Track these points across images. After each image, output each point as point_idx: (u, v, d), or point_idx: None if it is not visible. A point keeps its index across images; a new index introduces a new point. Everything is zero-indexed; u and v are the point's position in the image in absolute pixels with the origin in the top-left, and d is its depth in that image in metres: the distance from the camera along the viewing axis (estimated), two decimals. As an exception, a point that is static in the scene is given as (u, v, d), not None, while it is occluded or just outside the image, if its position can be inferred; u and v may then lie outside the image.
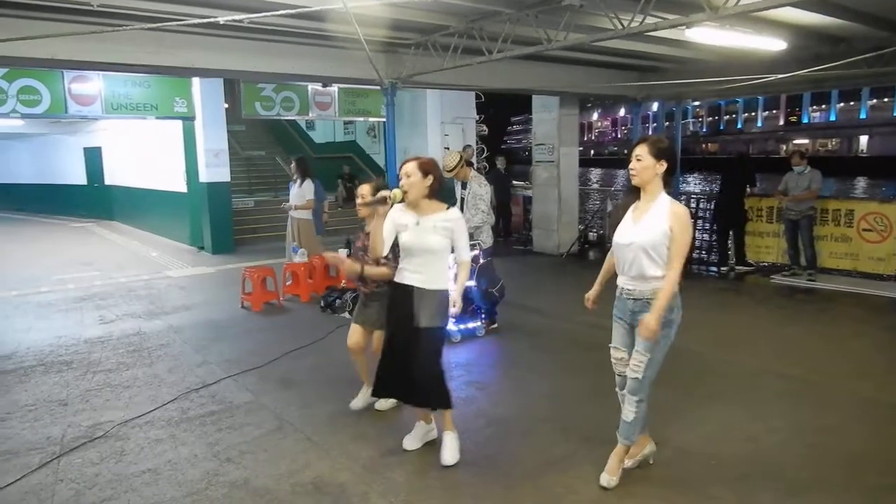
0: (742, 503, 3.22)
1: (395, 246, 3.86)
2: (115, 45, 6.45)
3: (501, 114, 72.04)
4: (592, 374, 5.06)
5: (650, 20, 5.50)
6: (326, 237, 9.26)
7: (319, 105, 12.63)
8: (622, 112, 76.62)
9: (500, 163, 13.18)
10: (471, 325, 6.15)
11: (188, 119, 11.25)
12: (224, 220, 11.73)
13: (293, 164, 8.51)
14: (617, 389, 3.51)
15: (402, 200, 3.51)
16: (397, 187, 3.51)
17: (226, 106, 11.84)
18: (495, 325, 6.39)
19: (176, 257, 11.28)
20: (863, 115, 51.62)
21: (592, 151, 76.71)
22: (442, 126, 12.96)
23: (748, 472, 3.51)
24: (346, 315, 6.94)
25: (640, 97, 11.22)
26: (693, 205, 10.65)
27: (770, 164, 32.98)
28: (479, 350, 5.88)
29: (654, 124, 41.19)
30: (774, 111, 58.81)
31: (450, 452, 3.67)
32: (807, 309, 7.27)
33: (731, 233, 9.34)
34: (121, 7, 5.74)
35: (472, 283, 6.04)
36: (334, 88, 12.56)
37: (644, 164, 3.17)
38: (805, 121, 56.58)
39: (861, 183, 38.25)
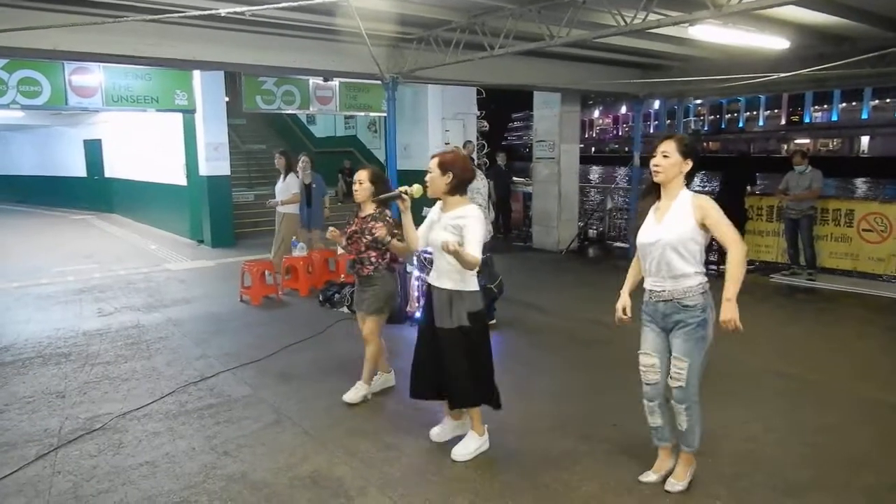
0: (740, 502, 3.22)
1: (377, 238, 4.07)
2: (117, 36, 6.42)
3: (502, 110, 72.00)
4: (592, 371, 5.07)
5: (653, 17, 5.48)
6: (323, 231, 9.24)
7: (320, 99, 12.59)
8: (623, 109, 76.53)
9: (501, 159, 13.16)
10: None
11: (189, 112, 11.22)
12: (224, 214, 11.71)
13: (277, 159, 8.35)
14: (644, 400, 3.32)
15: (422, 195, 3.51)
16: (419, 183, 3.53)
17: (226, 99, 11.81)
18: (493, 322, 6.37)
19: (175, 250, 11.27)
20: (865, 116, 51.59)
21: (593, 149, 76.63)
22: (443, 121, 12.93)
23: (746, 471, 3.50)
24: (345, 310, 6.94)
25: (642, 95, 11.19)
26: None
27: (771, 163, 32.96)
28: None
29: (656, 122, 41.22)
30: (776, 110, 58.78)
31: (462, 447, 3.66)
32: (806, 308, 7.27)
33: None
34: (122, -2, 5.72)
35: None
36: (335, 83, 12.51)
37: (671, 162, 3.07)
38: (807, 120, 56.54)
39: (862, 183, 38.22)
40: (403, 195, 3.46)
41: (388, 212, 4.33)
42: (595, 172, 53.49)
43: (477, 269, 3.45)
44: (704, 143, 63.27)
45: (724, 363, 5.28)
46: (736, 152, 32.37)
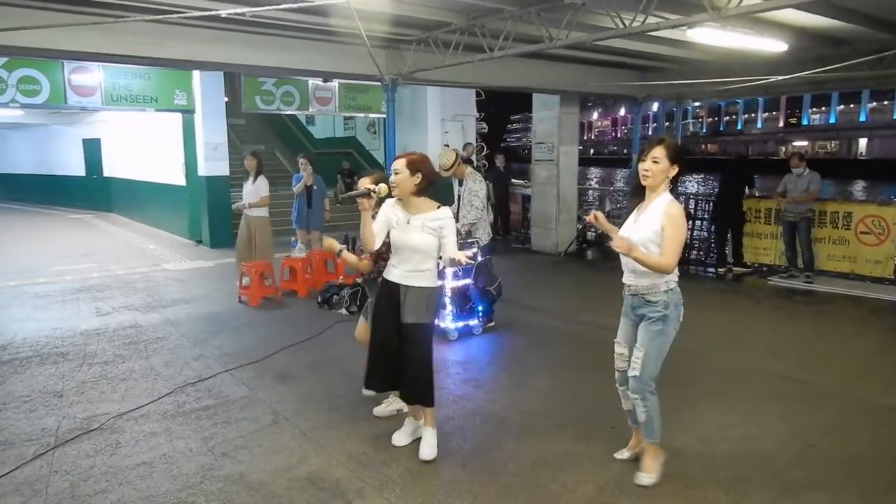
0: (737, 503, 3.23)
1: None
2: (117, 36, 6.43)
3: (501, 112, 72.02)
4: (590, 373, 5.07)
5: (652, 20, 5.50)
6: (325, 233, 9.24)
7: (320, 100, 12.61)
8: (622, 111, 76.65)
9: (500, 161, 13.17)
10: (468, 322, 6.15)
11: (188, 112, 11.23)
12: (222, 214, 11.69)
13: (247, 160, 7.85)
14: (617, 385, 3.56)
15: (388, 196, 3.50)
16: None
17: (226, 99, 11.81)
18: (492, 323, 6.39)
19: (174, 250, 11.26)
20: (862, 118, 51.74)
21: (592, 150, 76.77)
22: (442, 123, 12.94)
23: (744, 473, 3.51)
24: (343, 311, 6.94)
25: (640, 97, 11.23)
26: (692, 205, 10.66)
27: (769, 165, 33.05)
28: (476, 348, 5.88)
29: (655, 124, 41.22)
30: (774, 113, 58.94)
31: (428, 448, 3.68)
32: (804, 310, 7.28)
33: (728, 234, 9.35)
34: (122, -2, 5.72)
35: (470, 281, 6.04)
36: (335, 84, 12.54)
37: (660, 168, 3.17)
38: (805, 123, 56.67)
39: (860, 185, 38.30)
40: (371, 193, 3.41)
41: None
42: (594, 174, 53.51)
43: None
44: (703, 145, 63.40)
45: (722, 364, 5.31)
46: (734, 154, 32.47)
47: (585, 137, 78.83)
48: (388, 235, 3.64)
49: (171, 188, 12.64)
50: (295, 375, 5.08)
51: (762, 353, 5.63)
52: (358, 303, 5.80)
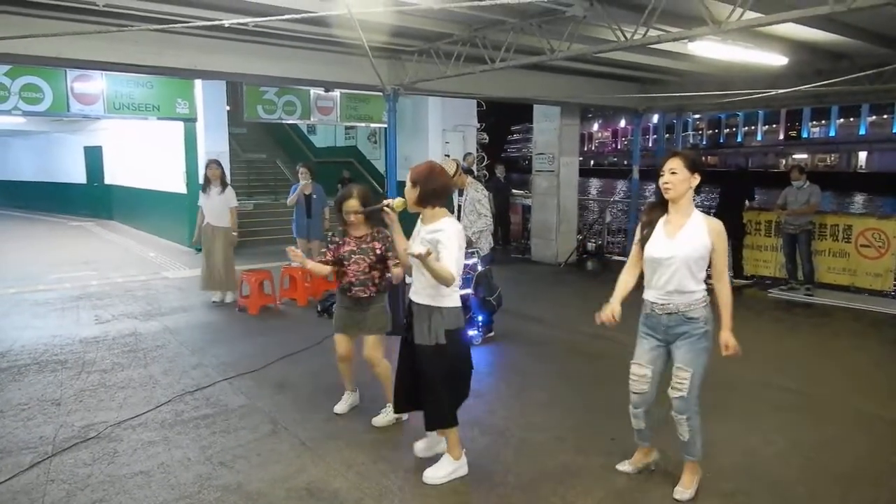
0: (737, 518, 3.22)
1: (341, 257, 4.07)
2: (120, 45, 6.46)
3: (502, 122, 72.31)
4: (590, 385, 5.06)
5: (653, 33, 5.53)
6: (324, 242, 9.23)
7: (321, 109, 12.66)
8: (622, 123, 76.92)
9: (500, 171, 13.21)
10: (468, 333, 6.12)
11: (190, 120, 11.27)
12: (223, 223, 11.70)
13: (210, 168, 7.52)
14: (631, 407, 3.43)
15: (403, 209, 3.49)
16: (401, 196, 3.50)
17: (227, 108, 11.85)
18: (492, 334, 6.38)
19: (174, 258, 11.26)
20: (862, 132, 51.91)
21: (592, 162, 76.96)
22: (443, 133, 12.99)
23: (744, 486, 3.49)
24: (343, 320, 6.92)
25: (641, 109, 11.26)
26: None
27: (769, 178, 33.12)
28: (475, 358, 5.76)
29: (655, 136, 41.41)
30: (774, 125, 59.13)
31: (434, 470, 3.53)
32: (804, 323, 7.28)
33: (728, 246, 9.35)
34: (126, 8, 5.75)
35: (470, 291, 6.04)
36: (336, 93, 12.58)
37: (680, 178, 3.15)
38: (805, 136, 56.85)
39: (859, 199, 38.37)
40: (385, 208, 3.43)
41: (385, 231, 4.10)
42: (594, 185, 53.61)
43: (456, 284, 3.35)
44: (703, 158, 63.57)
45: (722, 377, 5.27)
46: (734, 166, 32.64)
47: (586, 148, 79.05)
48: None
49: (173, 196, 12.65)
50: (294, 385, 5.07)
51: (762, 366, 5.62)
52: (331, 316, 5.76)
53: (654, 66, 8.66)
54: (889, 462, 3.83)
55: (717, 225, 3.16)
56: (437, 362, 3.41)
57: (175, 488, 3.45)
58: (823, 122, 54.93)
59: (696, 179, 3.17)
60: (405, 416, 4.25)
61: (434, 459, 3.66)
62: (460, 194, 6.31)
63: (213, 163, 7.70)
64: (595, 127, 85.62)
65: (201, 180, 11.08)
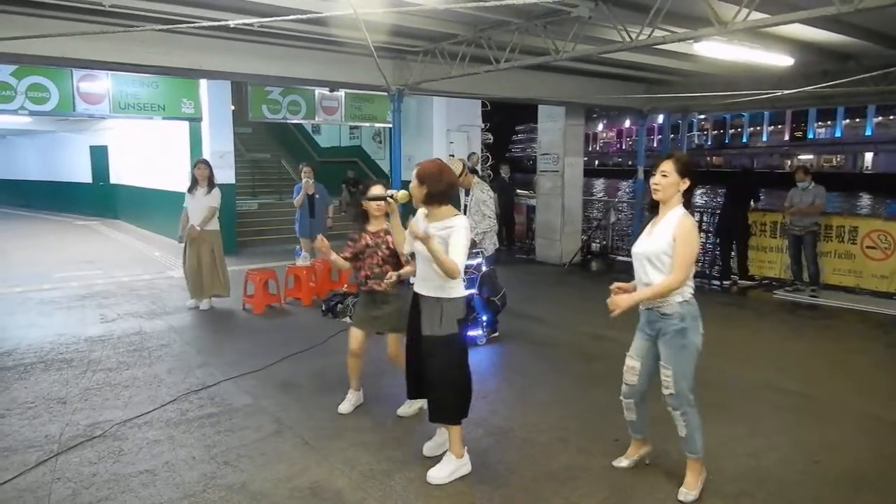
0: (741, 520, 3.21)
1: (360, 252, 4.17)
2: (126, 45, 6.49)
3: (506, 122, 72.22)
4: (593, 386, 5.05)
5: (658, 33, 5.53)
6: (330, 241, 9.24)
7: (326, 109, 12.69)
8: (627, 123, 76.76)
9: (505, 171, 13.21)
10: (472, 333, 6.13)
11: (195, 120, 11.30)
12: (228, 222, 11.70)
13: (199, 168, 7.23)
14: (622, 397, 3.56)
15: (407, 201, 3.54)
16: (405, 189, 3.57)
17: (232, 108, 11.88)
18: (496, 334, 6.38)
19: (179, 258, 11.20)
20: (868, 132, 51.68)
21: (597, 162, 76.79)
22: (447, 133, 13.00)
23: (748, 489, 3.48)
24: (348, 320, 6.94)
25: (646, 109, 11.25)
26: (696, 218, 10.64)
27: (774, 178, 33.03)
28: (479, 358, 5.85)
29: (660, 136, 41.33)
30: (780, 126, 58.89)
31: (438, 470, 3.53)
32: (809, 325, 7.25)
33: (734, 247, 9.33)
34: (132, 8, 5.78)
35: (474, 291, 6.04)
36: (341, 93, 12.61)
37: (669, 181, 3.23)
38: (810, 136, 56.64)
39: (865, 200, 38.22)
40: (389, 199, 3.53)
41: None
42: (598, 186, 53.52)
43: (460, 277, 3.44)
44: (708, 158, 63.40)
45: (726, 378, 5.28)
46: (739, 167, 32.59)
47: (590, 149, 78.83)
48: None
49: (178, 196, 12.59)
50: (298, 384, 5.08)
51: (767, 367, 5.60)
52: (350, 314, 5.83)
53: (660, 66, 8.65)
54: (894, 465, 3.81)
55: (685, 223, 3.17)
56: (447, 352, 3.48)
57: (180, 487, 3.46)
58: (829, 122, 54.69)
59: (686, 184, 3.25)
60: (425, 406, 4.25)
61: (439, 459, 3.67)
62: (466, 194, 6.31)
63: (202, 162, 7.43)
64: (600, 127, 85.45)
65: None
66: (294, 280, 8.08)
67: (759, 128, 61.06)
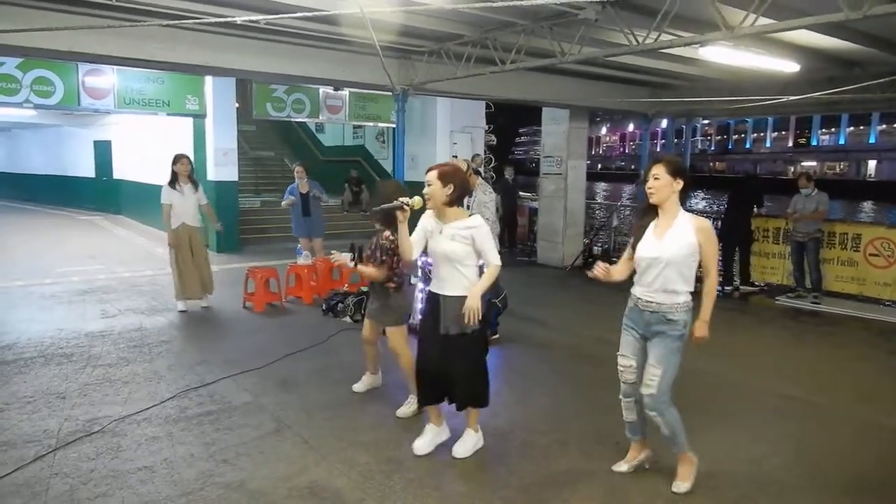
0: (742, 527, 3.19)
1: (395, 253, 4.11)
2: (132, 40, 6.49)
3: (510, 124, 72.21)
4: (595, 389, 5.03)
5: (665, 37, 5.51)
6: (330, 240, 9.25)
7: (330, 108, 12.69)
8: (630, 127, 76.76)
9: (508, 173, 13.19)
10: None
11: (199, 117, 11.30)
12: (230, 220, 11.69)
13: (182, 163, 7.04)
14: (621, 396, 3.56)
15: (422, 207, 3.59)
16: (419, 195, 3.59)
17: (237, 105, 11.88)
18: (496, 336, 6.35)
19: (180, 254, 11.25)
20: (872, 140, 51.62)
21: (599, 165, 76.84)
22: (451, 134, 12.98)
23: (750, 494, 3.47)
24: (348, 319, 6.93)
25: (651, 113, 11.23)
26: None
27: (777, 185, 32.96)
28: (480, 360, 5.84)
29: (663, 140, 41.28)
30: (783, 132, 58.86)
31: (463, 446, 3.79)
32: (812, 331, 7.23)
33: (736, 252, 9.30)
34: (139, 3, 5.78)
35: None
36: (345, 92, 12.60)
37: (662, 183, 3.29)
38: (814, 143, 56.58)
39: (868, 207, 38.15)
40: (405, 206, 3.53)
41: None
42: (601, 189, 53.48)
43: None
44: (711, 163, 63.37)
45: (728, 384, 5.26)
46: (742, 173, 32.54)
47: (593, 152, 78.96)
48: (418, 247, 3.79)
49: (180, 192, 12.66)
50: (298, 383, 5.06)
51: (769, 374, 5.58)
52: (363, 311, 5.85)
53: (665, 70, 8.63)
54: (896, 474, 3.80)
55: (704, 223, 3.29)
56: (476, 346, 3.69)
57: (178, 484, 3.45)
58: (833, 129, 54.65)
59: (679, 184, 3.31)
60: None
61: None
62: (469, 195, 6.30)
63: (184, 157, 7.16)
64: (603, 131, 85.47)
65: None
66: (295, 278, 8.07)
67: (762, 134, 61.04)
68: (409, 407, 4.42)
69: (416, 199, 3.56)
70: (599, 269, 3.43)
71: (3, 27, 5.41)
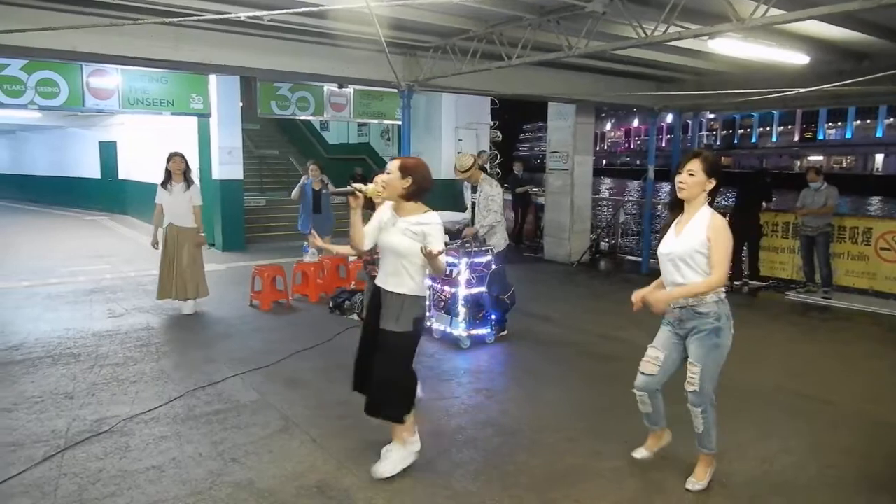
0: (756, 525, 3.15)
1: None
2: (135, 39, 6.46)
3: (515, 120, 72.03)
4: (602, 386, 5.00)
5: (674, 30, 5.44)
6: (337, 237, 9.22)
7: (335, 106, 12.66)
8: (636, 122, 76.48)
9: (517, 168, 13.17)
10: (481, 331, 6.09)
11: (204, 116, 11.29)
12: (236, 218, 11.74)
13: (175, 161, 6.83)
14: (635, 389, 3.48)
15: (374, 196, 3.44)
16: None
17: (241, 104, 11.87)
18: (505, 332, 6.33)
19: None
20: (879, 134, 51.27)
21: (605, 161, 76.55)
22: (456, 130, 12.95)
23: (761, 493, 3.43)
24: (355, 317, 6.91)
25: (657, 107, 11.14)
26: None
27: (783, 179, 32.78)
28: (488, 357, 5.82)
29: (669, 135, 41.09)
30: (790, 126, 58.51)
31: (385, 464, 3.52)
32: (822, 327, 7.17)
33: (745, 247, 9.23)
34: (141, 1, 5.75)
35: (483, 289, 5.99)
36: (350, 90, 12.58)
37: (696, 180, 3.19)
38: (820, 137, 56.23)
39: (875, 201, 37.90)
40: (357, 192, 3.40)
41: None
42: (606, 185, 53.29)
43: (443, 273, 3.57)
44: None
45: (737, 381, 5.20)
46: (749, 167, 32.37)
47: (598, 148, 78.55)
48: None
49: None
50: (305, 381, 5.05)
51: (778, 370, 5.53)
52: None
53: (672, 64, 8.55)
54: (911, 470, 3.75)
55: (718, 221, 3.18)
56: (396, 348, 3.44)
57: (186, 484, 3.43)
58: (840, 123, 54.29)
59: (712, 184, 3.21)
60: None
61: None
62: (474, 191, 6.27)
63: (177, 155, 6.94)
64: (608, 126, 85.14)
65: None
66: (302, 276, 8.06)
67: (768, 128, 60.70)
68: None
69: (371, 186, 3.44)
70: (637, 300, 3.33)
71: (6, 27, 5.40)
